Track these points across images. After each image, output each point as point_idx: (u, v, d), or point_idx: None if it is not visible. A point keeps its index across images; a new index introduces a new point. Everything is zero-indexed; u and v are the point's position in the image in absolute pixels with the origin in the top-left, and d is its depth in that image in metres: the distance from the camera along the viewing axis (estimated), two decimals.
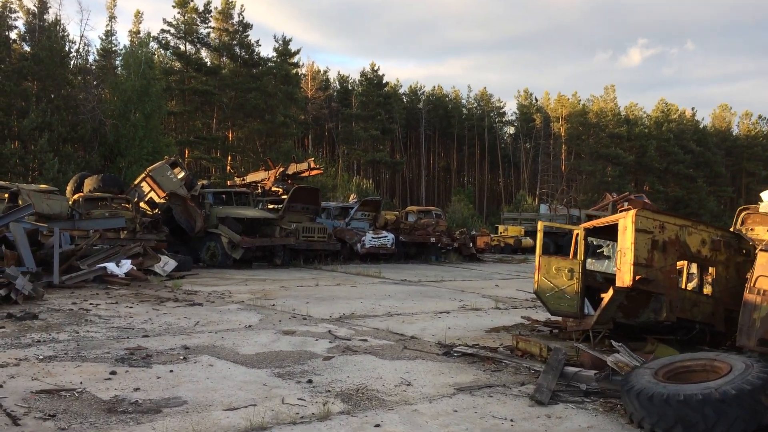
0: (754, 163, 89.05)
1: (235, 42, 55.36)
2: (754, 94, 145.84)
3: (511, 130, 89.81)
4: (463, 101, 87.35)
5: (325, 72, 77.89)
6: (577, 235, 8.83)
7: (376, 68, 68.74)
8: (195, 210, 18.92)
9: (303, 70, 67.83)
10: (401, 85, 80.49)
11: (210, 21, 55.20)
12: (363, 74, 69.42)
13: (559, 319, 10.09)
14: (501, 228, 34.57)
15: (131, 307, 10.54)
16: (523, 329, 9.84)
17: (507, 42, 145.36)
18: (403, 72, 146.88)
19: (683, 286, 8.91)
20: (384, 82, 69.90)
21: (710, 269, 8.39)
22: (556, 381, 6.19)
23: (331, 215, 24.00)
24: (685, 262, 12.03)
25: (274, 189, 23.57)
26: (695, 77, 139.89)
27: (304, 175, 24.13)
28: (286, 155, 42.97)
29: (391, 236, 23.00)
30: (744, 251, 8.48)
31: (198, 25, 54.56)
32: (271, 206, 22.79)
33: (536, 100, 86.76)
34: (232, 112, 53.63)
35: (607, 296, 7.90)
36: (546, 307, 8.57)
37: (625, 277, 7.75)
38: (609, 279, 9.26)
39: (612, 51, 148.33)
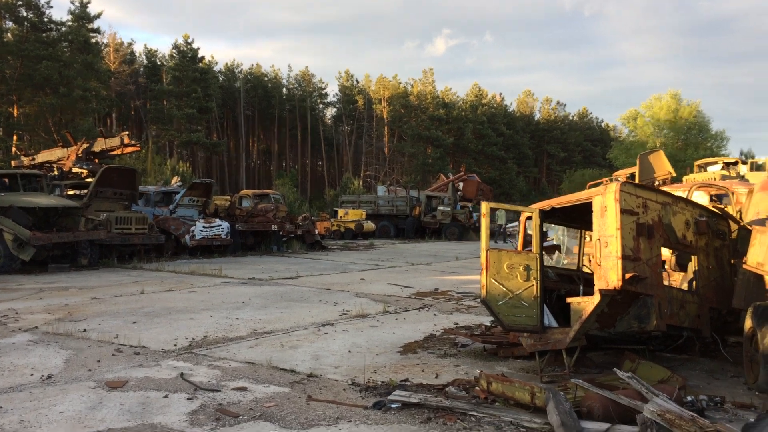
0: (553, 145, 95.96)
1: (20, 2, 47.06)
2: (546, 85, 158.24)
3: (333, 111, 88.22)
4: (284, 81, 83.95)
5: (130, 45, 70.39)
6: (528, 219, 6.63)
7: (190, 41, 62.90)
8: None
9: (105, 39, 60.27)
10: (217, 62, 75.11)
11: None
12: (176, 47, 63.15)
13: (489, 326, 7.90)
14: (341, 212, 32.32)
15: None
16: (442, 344, 7.52)
17: (319, 27, 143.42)
18: (214, 54, 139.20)
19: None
20: (199, 56, 64.22)
21: (693, 258, 6.58)
22: None
23: (151, 202, 19.97)
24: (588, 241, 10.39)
25: (75, 170, 19.00)
26: (494, 68, 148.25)
27: (115, 153, 19.80)
28: (87, 134, 36.96)
29: (225, 225, 19.63)
30: (721, 234, 6.80)
31: None
32: (72, 192, 18.34)
33: (357, 82, 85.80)
34: (18, 84, 45.51)
35: (589, 303, 5.75)
36: (498, 321, 6.25)
37: (610, 276, 5.66)
38: (562, 275, 7.19)
39: (420, 40, 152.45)
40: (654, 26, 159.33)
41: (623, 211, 5.69)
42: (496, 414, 4.77)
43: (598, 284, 5.70)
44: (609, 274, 5.63)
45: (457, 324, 8.88)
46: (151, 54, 69.58)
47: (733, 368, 6.51)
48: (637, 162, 24.88)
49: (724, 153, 63.50)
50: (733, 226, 7.04)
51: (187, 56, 62.08)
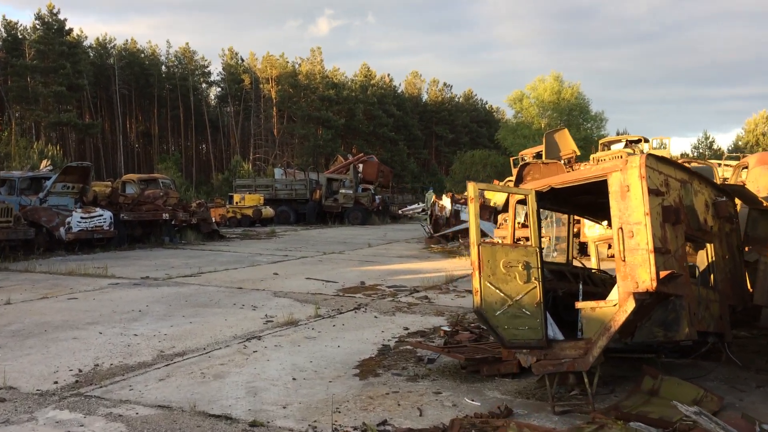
0: (442, 126, 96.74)
1: None
2: (430, 67, 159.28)
3: (217, 91, 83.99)
4: (163, 59, 78.79)
5: None
6: (520, 203, 5.34)
7: (55, 11, 57.13)
8: None
9: None
10: (86, 37, 68.94)
11: None
12: (39, 17, 57.18)
13: (448, 331, 6.60)
14: (237, 197, 30.01)
15: None
16: (404, 360, 6.14)
17: (197, 2, 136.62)
18: (83, 28, 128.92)
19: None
20: (67, 29, 58.53)
21: (708, 247, 5.56)
22: None
23: (16, 189, 17.07)
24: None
25: None
26: (379, 49, 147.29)
27: None
28: None
29: (108, 214, 17.14)
30: (730, 217, 5.84)
31: None
32: None
33: (242, 60, 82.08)
34: None
35: (619, 310, 4.55)
36: (497, 336, 4.91)
37: (640, 275, 4.50)
38: (555, 272, 5.97)
39: (302, 20, 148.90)
40: (527, 11, 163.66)
41: (650, 192, 4.54)
42: None
43: (625, 285, 4.51)
44: (638, 272, 4.46)
45: (408, 329, 7.54)
46: (10, 26, 62.82)
47: (746, 374, 5.60)
48: (543, 140, 24.54)
49: (603, 133, 66.28)
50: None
51: (52, 28, 56.53)
